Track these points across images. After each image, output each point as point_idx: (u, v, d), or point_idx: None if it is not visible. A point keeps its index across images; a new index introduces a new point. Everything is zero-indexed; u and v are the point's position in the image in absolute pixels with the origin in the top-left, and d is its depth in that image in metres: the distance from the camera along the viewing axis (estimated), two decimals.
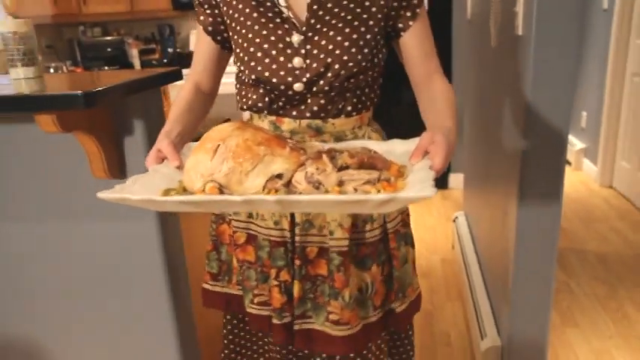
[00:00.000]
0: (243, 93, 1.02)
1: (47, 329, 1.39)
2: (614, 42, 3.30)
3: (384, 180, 0.74)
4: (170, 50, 4.41)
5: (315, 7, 0.92)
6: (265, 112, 0.99)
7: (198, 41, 1.05)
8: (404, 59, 1.01)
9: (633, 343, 1.94)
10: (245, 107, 1.02)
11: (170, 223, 1.29)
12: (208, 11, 1.00)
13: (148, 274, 1.29)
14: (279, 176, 0.76)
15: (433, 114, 0.91)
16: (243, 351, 1.19)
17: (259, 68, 0.93)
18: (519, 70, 1.40)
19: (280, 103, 0.97)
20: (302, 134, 0.97)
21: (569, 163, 4.05)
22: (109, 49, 4.35)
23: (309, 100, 0.96)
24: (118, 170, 1.15)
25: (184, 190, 0.78)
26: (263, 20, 0.94)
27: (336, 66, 0.92)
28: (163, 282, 1.30)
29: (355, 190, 0.73)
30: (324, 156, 0.77)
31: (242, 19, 0.95)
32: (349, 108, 0.98)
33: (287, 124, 0.98)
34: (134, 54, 4.33)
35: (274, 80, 0.93)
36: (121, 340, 1.37)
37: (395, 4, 0.95)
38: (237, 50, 0.97)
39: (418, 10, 0.97)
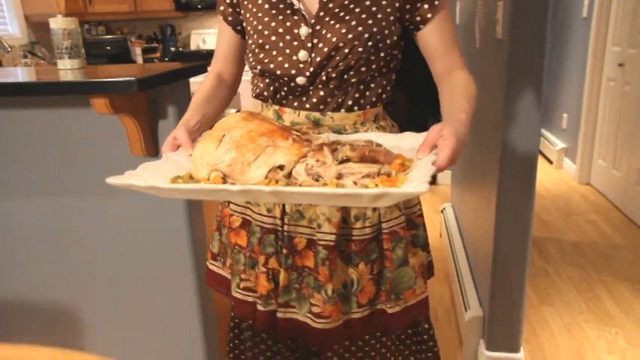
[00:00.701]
0: (255, 81, 1.04)
1: (79, 295, 1.55)
2: (592, 48, 3.51)
3: (385, 174, 0.73)
4: (172, 49, 4.57)
5: None
6: (270, 101, 1.01)
7: (220, 32, 1.07)
8: (424, 53, 0.99)
9: (600, 316, 2.15)
10: (254, 95, 1.05)
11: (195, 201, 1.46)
12: (228, 1, 1.03)
13: (175, 246, 1.46)
14: (281, 167, 0.76)
15: (448, 105, 0.89)
16: (249, 353, 1.18)
17: (265, 60, 0.95)
18: (499, 70, 1.59)
19: (283, 93, 0.99)
20: (301, 125, 0.97)
21: (550, 162, 4.28)
22: (112, 47, 4.51)
23: (310, 92, 0.96)
24: (154, 149, 1.33)
25: (191, 178, 0.79)
26: (274, 12, 0.95)
27: (337, 57, 0.91)
28: (189, 254, 1.47)
29: (355, 183, 0.72)
30: (325, 148, 0.77)
31: (254, 9, 0.97)
32: (350, 102, 0.97)
33: (288, 114, 0.99)
34: (137, 52, 4.49)
35: (278, 72, 0.94)
36: (146, 299, 1.54)
37: None
38: (250, 41, 0.99)
39: (437, 2, 0.94)
